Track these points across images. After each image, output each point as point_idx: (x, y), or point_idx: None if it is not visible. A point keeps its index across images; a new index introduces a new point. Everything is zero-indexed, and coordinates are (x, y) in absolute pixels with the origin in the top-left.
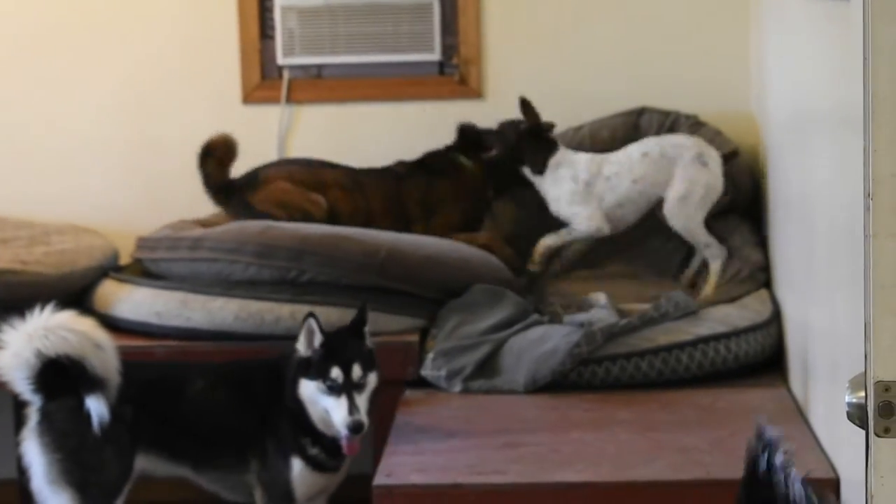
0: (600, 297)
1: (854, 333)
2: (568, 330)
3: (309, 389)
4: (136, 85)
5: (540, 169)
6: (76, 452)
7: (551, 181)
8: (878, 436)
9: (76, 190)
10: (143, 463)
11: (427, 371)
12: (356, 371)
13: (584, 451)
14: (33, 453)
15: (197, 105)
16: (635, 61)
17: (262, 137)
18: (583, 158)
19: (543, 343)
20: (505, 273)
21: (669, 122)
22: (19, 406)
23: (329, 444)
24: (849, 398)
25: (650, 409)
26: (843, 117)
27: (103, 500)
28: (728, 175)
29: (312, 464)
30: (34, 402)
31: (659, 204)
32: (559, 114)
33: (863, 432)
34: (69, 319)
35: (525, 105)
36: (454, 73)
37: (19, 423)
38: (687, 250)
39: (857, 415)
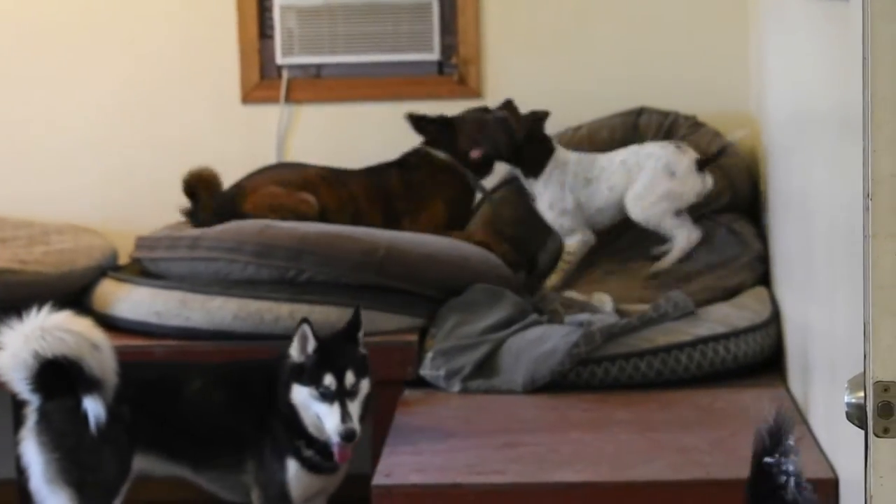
0: (605, 300)
1: (853, 334)
2: (567, 330)
3: (301, 395)
4: (136, 85)
5: (536, 174)
6: (74, 452)
7: (543, 185)
8: (877, 436)
9: (75, 190)
10: (142, 463)
11: (426, 371)
12: (349, 378)
13: (583, 452)
14: (31, 453)
15: (196, 105)
16: (634, 61)
17: (262, 137)
18: (572, 162)
19: (542, 343)
20: (504, 271)
21: (668, 123)
22: (18, 406)
23: (323, 447)
24: (848, 398)
25: (649, 409)
26: (842, 117)
27: (101, 500)
28: (727, 175)
29: (308, 465)
30: (32, 402)
31: None
32: (558, 113)
33: (862, 432)
34: (66, 320)
35: (510, 108)
36: (453, 72)
37: (18, 423)
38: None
39: (857, 415)
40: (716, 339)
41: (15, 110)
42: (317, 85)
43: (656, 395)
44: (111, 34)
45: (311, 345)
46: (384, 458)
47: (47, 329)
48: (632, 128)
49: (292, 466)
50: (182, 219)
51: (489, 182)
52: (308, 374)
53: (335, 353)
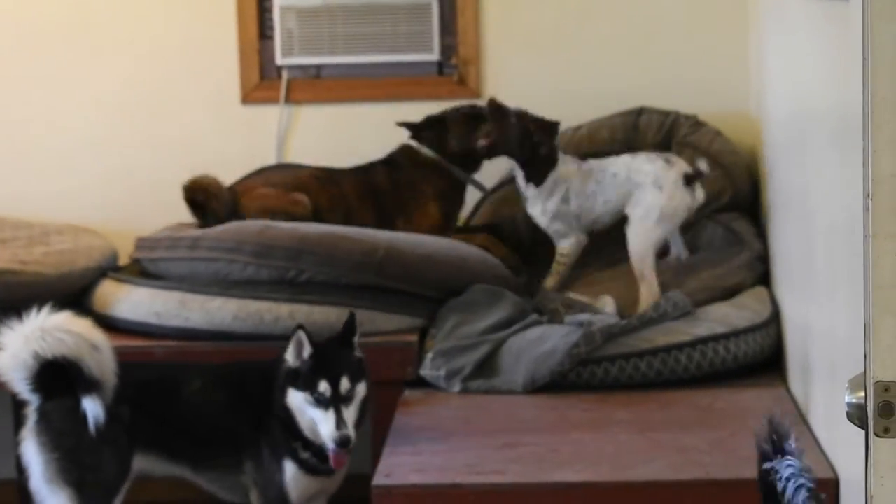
0: (608, 303)
1: (853, 333)
2: (567, 330)
3: (297, 400)
4: (136, 85)
5: (537, 182)
6: (73, 452)
7: (539, 193)
8: (877, 436)
9: (75, 190)
10: (142, 463)
11: (426, 371)
12: (344, 384)
13: (583, 452)
14: (31, 453)
15: (196, 105)
16: (634, 61)
17: (261, 138)
18: (573, 176)
19: (542, 343)
20: (503, 271)
21: (669, 122)
22: (18, 406)
23: (319, 450)
24: (848, 398)
25: (649, 409)
26: (842, 117)
27: (101, 500)
28: (727, 175)
29: (305, 468)
30: (32, 402)
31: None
32: (558, 113)
33: (862, 432)
34: (66, 320)
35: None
36: (453, 73)
37: (18, 422)
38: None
39: (857, 415)
40: (716, 339)
41: (15, 111)
42: (316, 85)
43: (656, 395)
44: (111, 35)
45: (307, 350)
46: (384, 458)
47: (47, 330)
48: (632, 128)
49: (290, 468)
50: (181, 220)
51: (488, 181)
52: (303, 379)
53: (330, 358)
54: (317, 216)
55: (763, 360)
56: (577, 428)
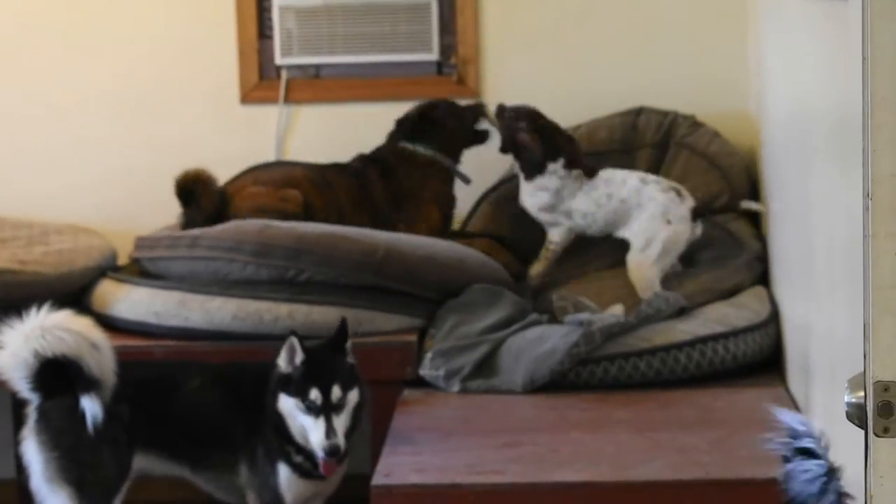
0: (617, 311)
1: (853, 333)
2: (566, 330)
3: (288, 405)
4: (135, 85)
5: (529, 177)
6: (73, 450)
7: (537, 187)
8: (877, 436)
9: (75, 190)
10: (142, 462)
11: (425, 371)
12: (335, 392)
13: (582, 451)
14: (31, 451)
15: (195, 105)
16: (633, 61)
17: (261, 138)
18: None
19: (542, 343)
20: (502, 273)
21: (668, 122)
22: (18, 406)
23: (311, 454)
24: (848, 398)
25: (648, 409)
26: (841, 117)
27: (101, 499)
28: (725, 176)
29: (299, 471)
30: (32, 401)
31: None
32: (557, 113)
33: (862, 432)
34: (66, 319)
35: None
36: (452, 72)
37: (18, 422)
38: None
39: (857, 415)
40: (715, 338)
41: (14, 110)
42: (316, 85)
43: (656, 394)
44: (111, 35)
45: (299, 356)
46: (383, 458)
47: (47, 328)
48: (630, 128)
49: (284, 471)
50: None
51: (487, 181)
52: (295, 385)
53: (322, 366)
54: (310, 216)
55: (762, 359)
56: (576, 428)
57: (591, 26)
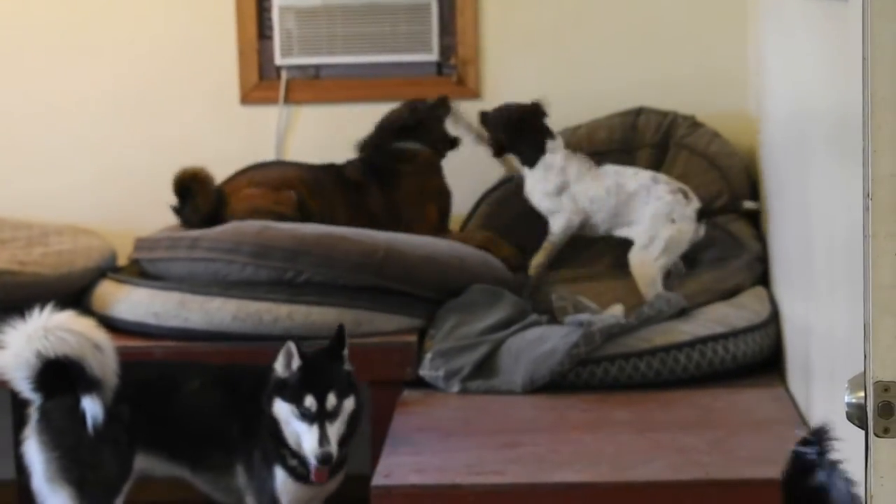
0: (617, 311)
1: (853, 333)
2: (566, 330)
3: (283, 411)
4: (135, 85)
5: (531, 164)
6: (73, 450)
7: (537, 174)
8: (877, 436)
9: (74, 190)
10: (143, 463)
11: (425, 371)
12: (331, 400)
13: (582, 452)
14: (32, 451)
15: (195, 105)
16: (633, 61)
17: (261, 138)
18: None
19: (542, 343)
20: (503, 272)
21: (667, 123)
22: (18, 406)
23: (305, 460)
24: (848, 398)
25: (648, 409)
26: (842, 117)
27: (101, 499)
28: (725, 177)
29: (294, 475)
30: (34, 401)
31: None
32: (557, 113)
33: (862, 432)
34: (69, 320)
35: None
36: (452, 73)
37: (18, 423)
38: None
39: (857, 415)
40: (715, 339)
41: (14, 111)
42: (316, 86)
43: (655, 395)
44: (110, 35)
45: (296, 362)
46: (383, 458)
47: (50, 329)
48: (630, 128)
49: (280, 475)
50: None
51: (487, 181)
52: (290, 391)
53: (318, 373)
54: (306, 217)
55: (762, 360)
56: (576, 428)
57: (590, 26)
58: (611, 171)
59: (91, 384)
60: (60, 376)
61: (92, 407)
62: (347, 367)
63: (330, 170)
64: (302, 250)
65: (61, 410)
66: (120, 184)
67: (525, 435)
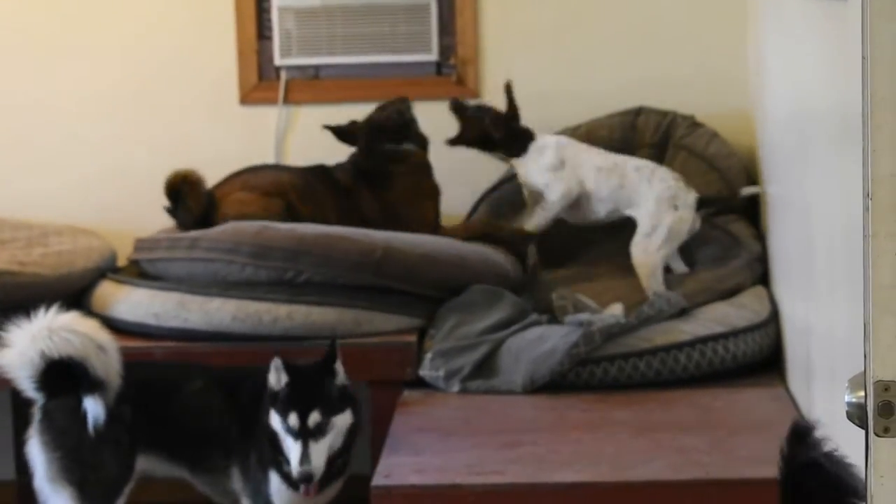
0: (616, 311)
1: (853, 333)
2: (566, 330)
3: (275, 422)
4: (134, 85)
5: (520, 153)
6: (75, 451)
7: (531, 156)
8: (877, 435)
9: (73, 191)
10: (144, 463)
11: (425, 371)
12: (314, 417)
13: (582, 452)
14: (35, 451)
15: (194, 106)
16: (632, 61)
17: (260, 138)
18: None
19: (542, 343)
20: (503, 270)
21: (667, 122)
22: (18, 407)
23: None
24: (848, 398)
25: (648, 409)
26: (841, 117)
27: (103, 499)
28: (724, 177)
29: (288, 482)
30: (36, 401)
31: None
32: (557, 113)
33: (862, 432)
34: (73, 321)
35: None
36: (451, 73)
37: (18, 423)
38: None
39: (857, 414)
40: (715, 338)
41: (13, 111)
42: (315, 86)
43: (655, 394)
44: (110, 35)
45: (283, 379)
46: (383, 458)
47: (54, 329)
48: (630, 127)
49: (274, 479)
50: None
51: (486, 181)
52: (279, 405)
53: (305, 390)
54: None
55: (762, 359)
56: (576, 428)
57: (590, 26)
58: (610, 154)
59: (94, 385)
60: (64, 377)
61: (94, 407)
62: (341, 381)
63: (321, 173)
64: (301, 250)
65: (63, 411)
66: (119, 184)
67: (525, 435)
